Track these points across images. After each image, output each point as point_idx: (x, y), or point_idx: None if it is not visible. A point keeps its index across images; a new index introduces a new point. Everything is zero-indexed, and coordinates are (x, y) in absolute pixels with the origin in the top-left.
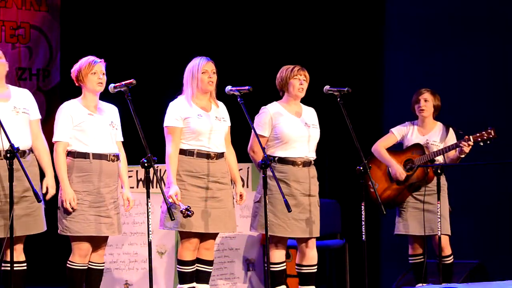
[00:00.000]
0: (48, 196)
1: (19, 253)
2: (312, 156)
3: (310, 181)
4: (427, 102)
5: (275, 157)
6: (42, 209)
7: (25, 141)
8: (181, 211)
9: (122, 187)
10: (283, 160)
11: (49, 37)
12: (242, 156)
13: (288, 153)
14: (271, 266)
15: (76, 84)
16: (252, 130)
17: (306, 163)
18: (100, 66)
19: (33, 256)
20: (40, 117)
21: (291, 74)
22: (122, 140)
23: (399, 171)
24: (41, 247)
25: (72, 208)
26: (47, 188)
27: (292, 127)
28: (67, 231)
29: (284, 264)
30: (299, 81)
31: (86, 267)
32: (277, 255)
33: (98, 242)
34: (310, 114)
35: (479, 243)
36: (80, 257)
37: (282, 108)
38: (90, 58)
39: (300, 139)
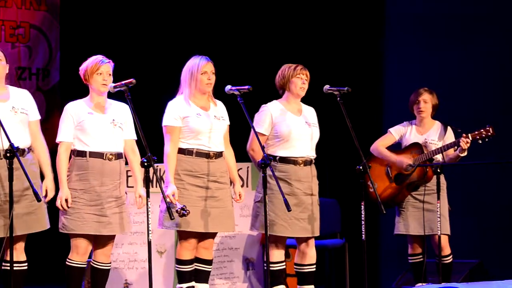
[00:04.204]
0: (47, 199)
1: (19, 252)
2: (313, 155)
3: (312, 180)
4: (426, 103)
5: (276, 156)
6: (45, 207)
7: (23, 140)
8: (177, 211)
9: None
10: (284, 160)
11: (49, 36)
12: (242, 155)
13: (289, 152)
14: (271, 265)
15: (84, 83)
16: (252, 129)
17: (307, 162)
18: (107, 66)
19: (33, 255)
20: (39, 117)
21: (294, 72)
22: (135, 138)
23: (403, 160)
24: (41, 246)
25: (67, 207)
26: (46, 191)
27: (293, 125)
28: (64, 228)
29: (284, 263)
30: (301, 80)
31: (85, 265)
32: (277, 254)
33: (102, 241)
34: (310, 113)
35: (479, 243)
36: (78, 255)
37: (283, 107)
38: (98, 57)
39: (301, 137)
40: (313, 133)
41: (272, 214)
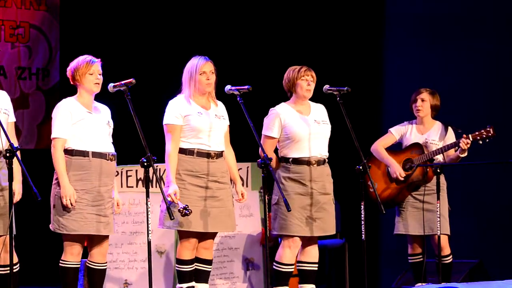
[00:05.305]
0: (14, 201)
1: None
2: (325, 153)
3: (325, 179)
4: (424, 102)
5: (289, 158)
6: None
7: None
8: (179, 210)
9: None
10: (297, 161)
11: (49, 36)
12: (242, 155)
13: (301, 153)
14: (280, 266)
15: (71, 83)
16: (253, 130)
17: (320, 162)
18: (97, 66)
19: (27, 256)
20: (14, 120)
21: (298, 75)
22: (112, 141)
23: (398, 170)
24: (34, 247)
25: (71, 205)
26: (14, 193)
27: (303, 126)
28: (63, 229)
29: (292, 267)
30: (307, 82)
31: (79, 265)
32: (289, 256)
33: (98, 241)
34: (319, 111)
35: (479, 243)
36: (72, 255)
37: (291, 109)
38: (88, 57)
39: (311, 137)
40: (323, 131)
41: (288, 214)
